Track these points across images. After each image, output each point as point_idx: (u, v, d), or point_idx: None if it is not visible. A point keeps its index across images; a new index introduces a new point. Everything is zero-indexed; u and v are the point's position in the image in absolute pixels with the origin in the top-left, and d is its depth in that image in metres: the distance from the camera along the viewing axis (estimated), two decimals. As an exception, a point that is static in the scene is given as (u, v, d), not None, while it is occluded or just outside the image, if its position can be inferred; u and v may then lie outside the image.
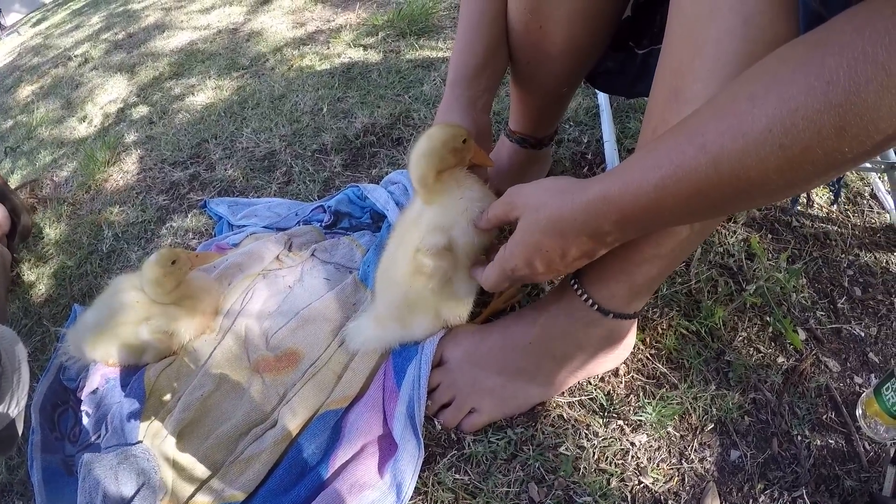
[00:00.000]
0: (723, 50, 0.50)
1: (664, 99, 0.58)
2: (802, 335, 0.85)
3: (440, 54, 1.73)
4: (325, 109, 1.59)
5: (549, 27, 0.79)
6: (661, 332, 0.86)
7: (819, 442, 0.74)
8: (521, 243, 0.63)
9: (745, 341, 0.85)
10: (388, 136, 1.41)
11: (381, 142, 1.40)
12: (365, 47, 1.91)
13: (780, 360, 0.82)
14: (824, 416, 0.77)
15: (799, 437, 0.75)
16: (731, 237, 0.97)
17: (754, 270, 0.91)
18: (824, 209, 1.03)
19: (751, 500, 0.70)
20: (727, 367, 0.82)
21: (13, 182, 1.80)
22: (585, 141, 1.23)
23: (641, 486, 0.72)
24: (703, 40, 0.52)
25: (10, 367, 0.61)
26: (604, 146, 1.14)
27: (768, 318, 0.86)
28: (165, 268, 0.89)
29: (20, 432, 0.83)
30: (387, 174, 1.26)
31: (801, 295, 0.89)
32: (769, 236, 0.97)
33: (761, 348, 0.84)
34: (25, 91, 3.04)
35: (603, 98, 1.24)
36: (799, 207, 1.00)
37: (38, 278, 1.36)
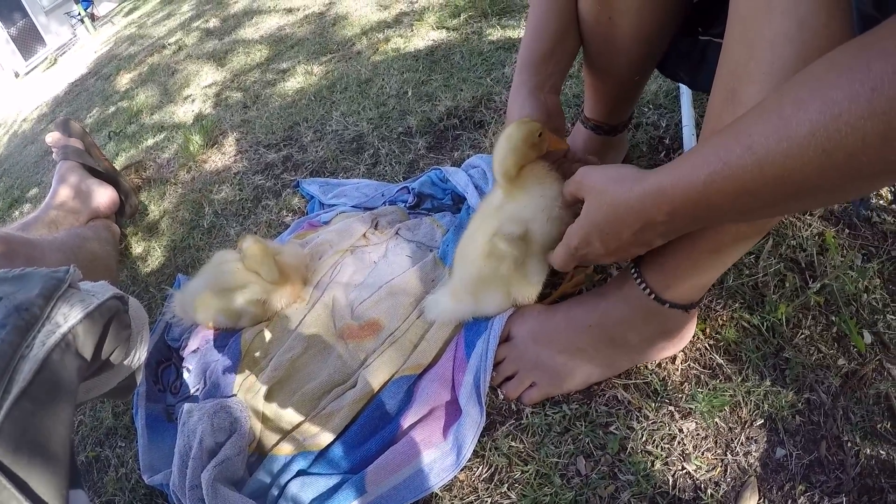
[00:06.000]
0: (777, 54, 0.53)
1: (721, 99, 0.61)
2: (868, 338, 0.84)
3: (521, 35, 1.80)
4: (409, 93, 1.73)
5: (617, 18, 0.85)
6: (721, 322, 0.90)
7: (869, 451, 0.75)
8: (584, 224, 0.73)
9: (807, 340, 0.86)
10: (471, 118, 1.53)
11: (464, 125, 1.52)
12: (448, 29, 2.04)
13: (841, 362, 0.83)
14: (879, 426, 0.77)
15: (849, 444, 0.75)
16: (806, 230, 0.97)
17: (825, 267, 0.92)
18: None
19: (790, 501, 0.73)
20: (784, 365, 0.84)
21: (118, 163, 2.07)
22: (664, 125, 1.27)
23: (684, 471, 0.77)
24: (758, 42, 0.55)
25: (136, 328, 0.78)
26: (682, 131, 1.16)
27: (834, 318, 0.87)
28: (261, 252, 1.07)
29: (138, 383, 1.02)
30: (468, 157, 1.38)
31: (873, 296, 0.88)
32: (846, 231, 0.96)
33: (823, 348, 0.84)
34: (124, 79, 3.38)
35: (684, 80, 1.27)
36: (882, 202, 0.98)
37: (144, 251, 1.59)
